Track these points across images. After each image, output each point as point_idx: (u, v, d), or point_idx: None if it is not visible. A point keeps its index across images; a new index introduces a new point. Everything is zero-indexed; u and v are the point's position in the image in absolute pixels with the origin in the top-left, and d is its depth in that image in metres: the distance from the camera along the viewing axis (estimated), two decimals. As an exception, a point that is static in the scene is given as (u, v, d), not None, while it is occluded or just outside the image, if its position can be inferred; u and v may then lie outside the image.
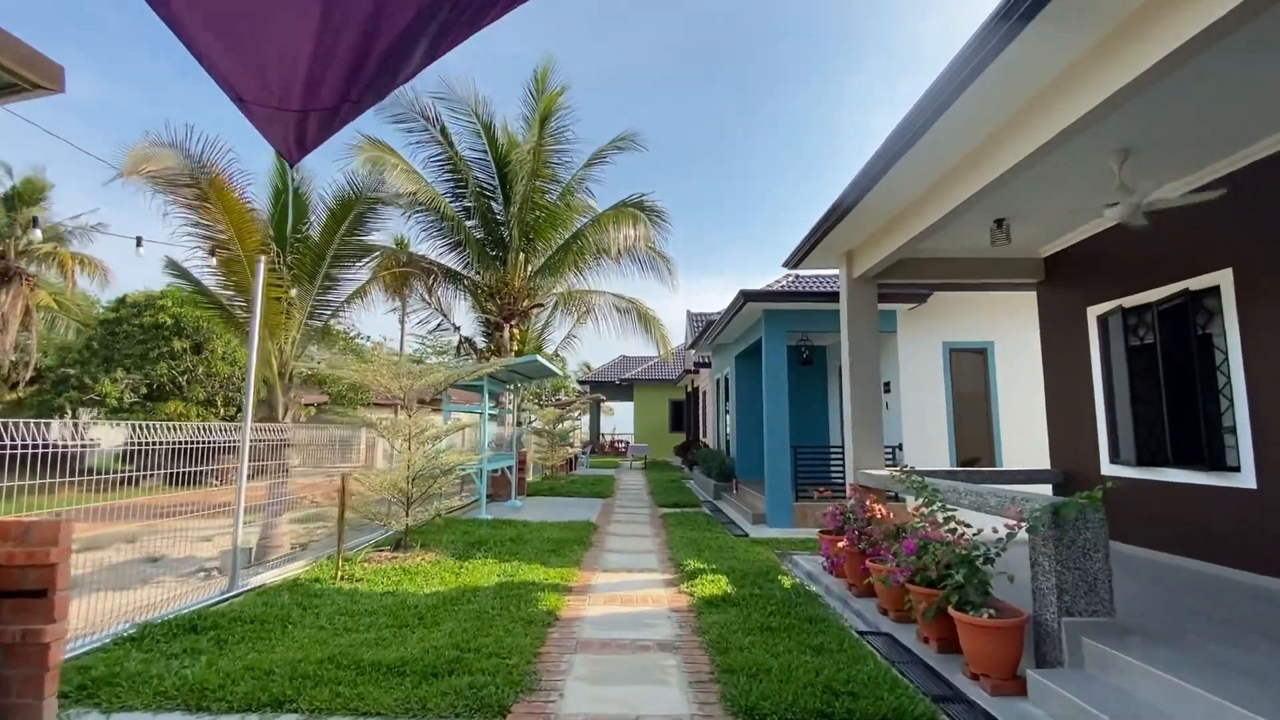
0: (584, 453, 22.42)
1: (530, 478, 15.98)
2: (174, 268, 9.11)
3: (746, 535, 8.66)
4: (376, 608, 4.67)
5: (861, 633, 4.59)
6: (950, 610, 3.70)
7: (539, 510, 10.63)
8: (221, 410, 20.72)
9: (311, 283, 9.27)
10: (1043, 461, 9.63)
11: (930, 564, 4.04)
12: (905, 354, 9.81)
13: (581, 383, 32.37)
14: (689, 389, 26.67)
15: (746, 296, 9.14)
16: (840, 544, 5.80)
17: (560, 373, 10.87)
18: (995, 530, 3.86)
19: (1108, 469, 6.24)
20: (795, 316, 9.80)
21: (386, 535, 6.96)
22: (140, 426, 4.54)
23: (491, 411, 11.53)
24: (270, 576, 5.66)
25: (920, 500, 4.82)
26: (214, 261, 8.64)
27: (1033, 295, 9.82)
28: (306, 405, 34.10)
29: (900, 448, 9.73)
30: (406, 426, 6.28)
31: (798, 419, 12.94)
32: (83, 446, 5.34)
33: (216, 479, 6.35)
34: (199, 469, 5.19)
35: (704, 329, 13.62)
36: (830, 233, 6.70)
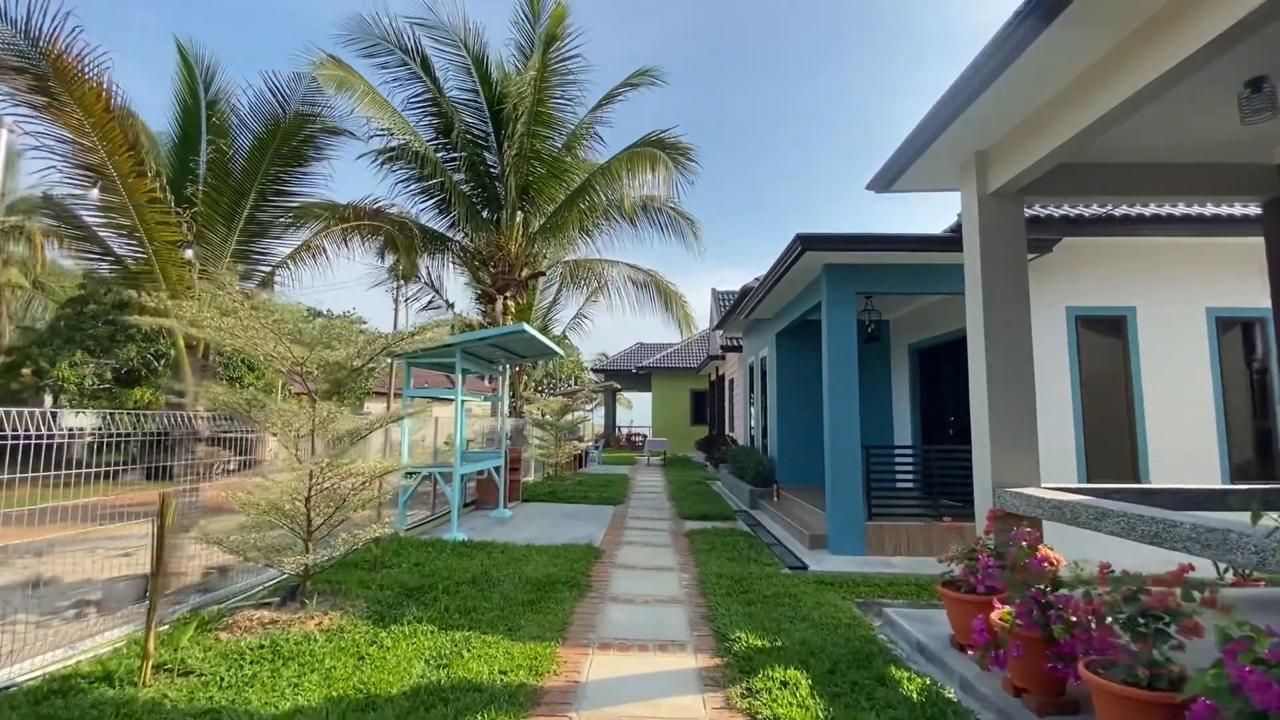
0: (595, 447, 20.16)
1: (531, 477, 13.75)
2: (51, 206, 6.98)
3: (805, 568, 6.29)
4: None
5: None
6: None
7: (530, 524, 8.37)
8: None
9: (229, 227, 7.07)
10: (1207, 471, 7.12)
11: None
12: (1015, 324, 7.30)
13: (595, 371, 30.11)
14: (712, 378, 24.26)
15: (805, 243, 6.74)
16: (996, 617, 3.42)
17: (559, 351, 8.53)
18: None
19: None
20: (869, 274, 7.35)
21: (284, 578, 4.73)
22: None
23: (473, 398, 9.29)
24: (56, 659, 3.46)
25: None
26: (96, 194, 6.48)
27: (1184, 246, 7.30)
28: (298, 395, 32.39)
29: (1008, 449, 7.25)
30: (300, 418, 4.04)
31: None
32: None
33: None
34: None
35: (737, 300, 11.21)
36: (956, 122, 4.29)
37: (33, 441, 3.67)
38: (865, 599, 5.32)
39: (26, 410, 3.60)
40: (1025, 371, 4.51)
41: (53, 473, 3.80)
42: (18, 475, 3.69)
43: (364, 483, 4.25)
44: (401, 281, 14.46)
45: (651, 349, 31.07)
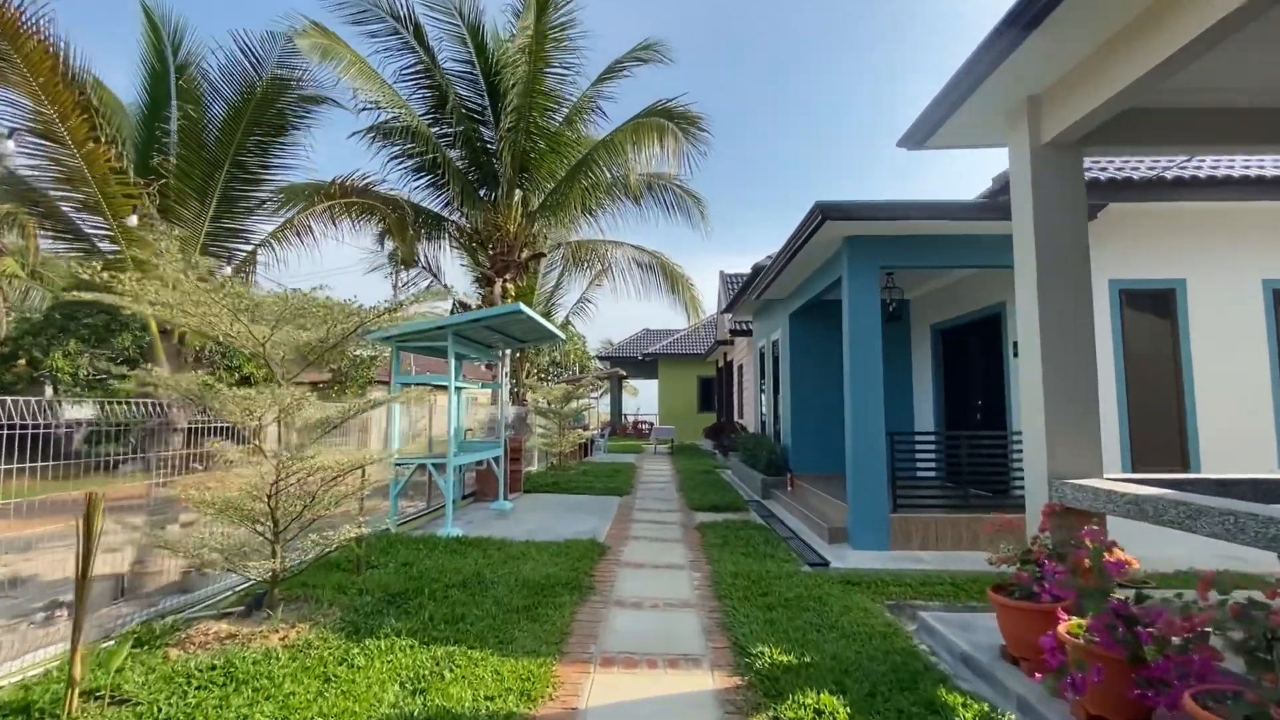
0: (601, 435, 19.71)
1: (534, 467, 13.31)
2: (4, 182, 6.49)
3: (826, 565, 5.79)
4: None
5: None
6: None
7: (531, 517, 7.91)
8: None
9: (203, 202, 6.56)
10: (1263, 458, 6.55)
11: None
12: (1053, 299, 6.72)
13: (601, 359, 29.61)
14: (720, 364, 23.72)
15: (825, 211, 6.17)
16: (1065, 630, 2.91)
17: (559, 334, 8.00)
18: None
19: None
20: (894, 247, 6.77)
21: (253, 584, 4.27)
22: None
23: (471, 385, 8.82)
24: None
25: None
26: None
27: (1238, 213, 6.67)
28: (312, 384, 32.02)
29: (1045, 435, 6.71)
30: (261, 404, 3.54)
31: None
32: None
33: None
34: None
35: (748, 280, 10.64)
36: (1007, 61, 3.71)
37: (26, 432, 3.25)
38: (897, 600, 4.82)
39: (23, 400, 3.17)
40: (1086, 347, 3.96)
41: (37, 464, 3.36)
42: (14, 466, 3.28)
43: (336, 477, 3.76)
44: (401, 266, 13.96)
45: (658, 335, 30.54)
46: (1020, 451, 6.85)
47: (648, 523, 7.77)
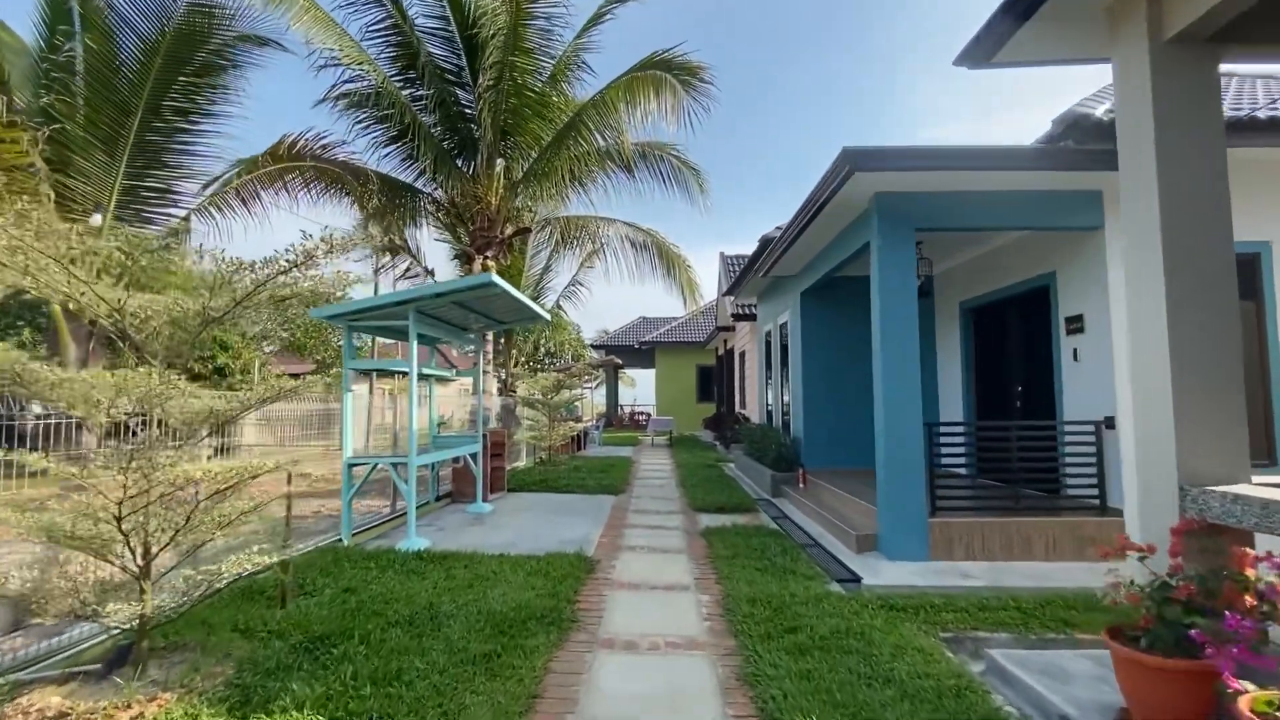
0: (596, 428, 18.74)
1: (522, 462, 12.34)
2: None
3: (858, 581, 4.84)
4: None
5: None
6: None
7: (511, 522, 6.94)
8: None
9: (112, 154, 5.50)
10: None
11: None
12: (1119, 264, 5.73)
13: (596, 347, 28.61)
14: (720, 351, 22.76)
15: (853, 160, 5.15)
16: (1246, 708, 1.95)
17: (543, 313, 6.97)
18: None
19: None
20: (931, 206, 5.76)
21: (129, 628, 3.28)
22: None
23: (442, 373, 7.83)
24: None
25: None
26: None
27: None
28: (293, 376, 30.79)
29: (1108, 424, 5.76)
30: (108, 392, 2.53)
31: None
32: None
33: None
34: None
35: (756, 254, 9.64)
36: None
37: None
38: (954, 632, 3.87)
39: None
40: (1228, 309, 2.98)
41: None
42: None
43: (221, 490, 2.77)
44: (378, 242, 12.87)
45: (655, 323, 29.56)
46: (1074, 445, 5.91)
47: (645, 528, 6.81)
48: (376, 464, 5.91)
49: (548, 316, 7.90)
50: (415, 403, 5.83)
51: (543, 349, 31.83)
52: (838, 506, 7.06)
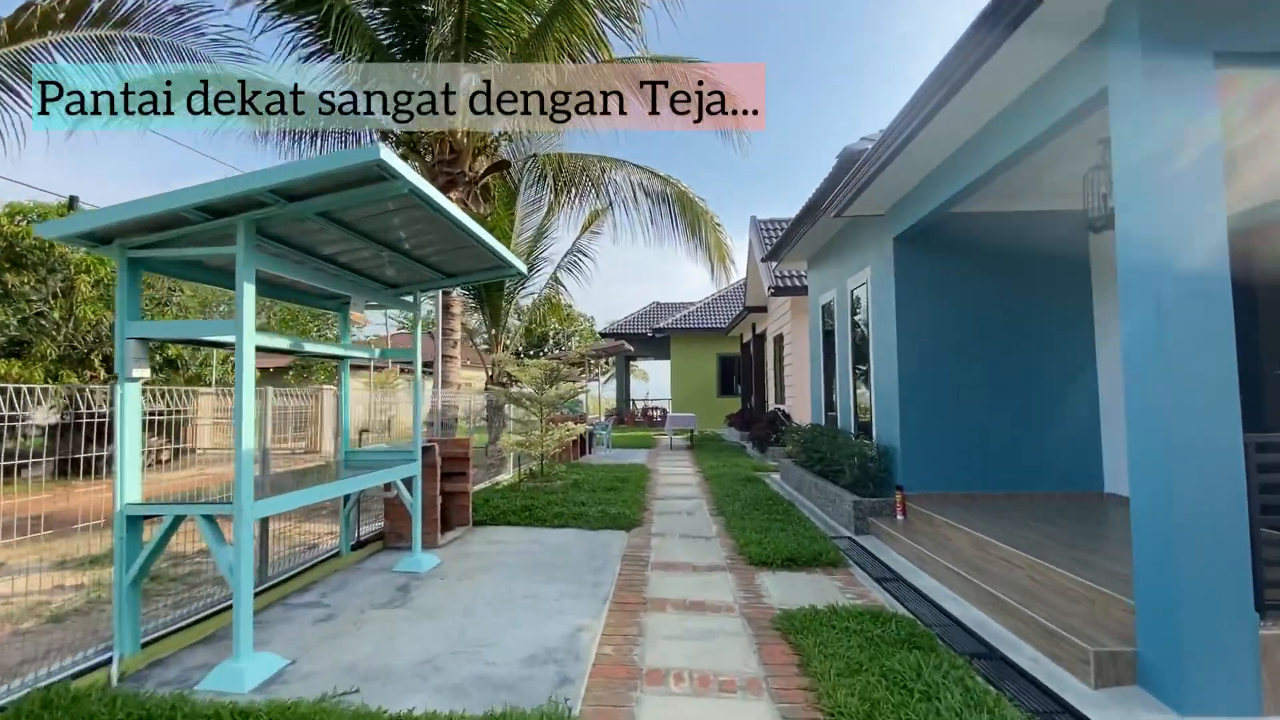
0: (604, 427, 15.94)
1: (507, 475, 9.57)
2: None
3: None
4: None
5: None
6: None
7: (454, 599, 4.16)
8: (102, 372, 14.79)
9: None
10: None
11: None
12: None
13: (604, 334, 25.83)
14: (746, 338, 19.88)
15: None
16: None
17: (519, 263, 4.07)
18: None
19: None
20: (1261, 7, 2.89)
21: None
22: None
23: (357, 352, 5.03)
24: None
25: None
26: None
27: None
28: (276, 369, 28.29)
29: None
30: None
31: (1026, 363, 6.25)
32: None
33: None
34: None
35: (835, 175, 6.75)
36: None
37: None
38: None
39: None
40: None
41: None
42: None
43: None
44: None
45: (670, 309, 26.76)
46: None
47: (677, 608, 4.01)
48: (177, 518, 3.13)
49: (523, 267, 5.10)
50: (248, 398, 3.04)
51: (552, 339, 29.06)
52: (1001, 571, 4.20)
